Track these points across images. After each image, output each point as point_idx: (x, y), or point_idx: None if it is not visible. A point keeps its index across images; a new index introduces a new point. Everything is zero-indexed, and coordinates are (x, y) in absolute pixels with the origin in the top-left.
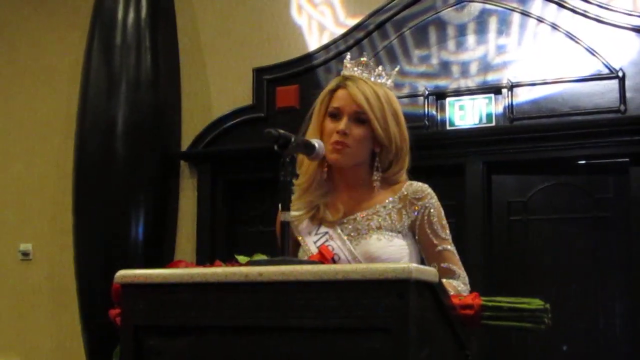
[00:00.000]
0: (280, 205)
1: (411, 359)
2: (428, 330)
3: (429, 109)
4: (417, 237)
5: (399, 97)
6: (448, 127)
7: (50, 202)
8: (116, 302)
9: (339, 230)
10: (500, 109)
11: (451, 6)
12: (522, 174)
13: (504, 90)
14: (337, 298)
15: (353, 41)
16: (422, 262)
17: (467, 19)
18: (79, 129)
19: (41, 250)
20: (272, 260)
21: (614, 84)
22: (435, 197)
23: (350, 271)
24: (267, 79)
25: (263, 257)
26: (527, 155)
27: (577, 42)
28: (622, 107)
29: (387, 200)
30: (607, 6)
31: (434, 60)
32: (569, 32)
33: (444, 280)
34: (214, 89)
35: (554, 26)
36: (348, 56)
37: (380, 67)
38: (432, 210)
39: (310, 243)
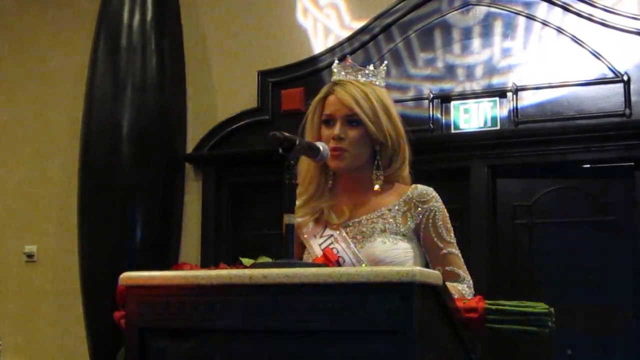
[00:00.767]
0: (285, 208)
1: None
2: (432, 333)
3: (434, 112)
4: (421, 240)
5: (404, 100)
6: (453, 131)
7: (55, 204)
8: (120, 304)
9: (344, 233)
10: (505, 112)
11: (457, 9)
12: (527, 177)
13: (509, 94)
14: (341, 301)
15: (358, 44)
16: (427, 265)
17: (472, 22)
18: (85, 132)
19: (46, 252)
20: (276, 263)
21: (619, 87)
22: (440, 200)
23: (354, 274)
24: (272, 81)
25: (267, 259)
26: (532, 159)
27: (582, 45)
28: (627, 111)
29: (392, 203)
30: (612, 10)
31: (439, 64)
32: (574, 36)
33: (448, 284)
34: (219, 92)
35: (559, 30)
36: (336, 62)
37: (370, 66)
38: (437, 213)
39: (316, 246)
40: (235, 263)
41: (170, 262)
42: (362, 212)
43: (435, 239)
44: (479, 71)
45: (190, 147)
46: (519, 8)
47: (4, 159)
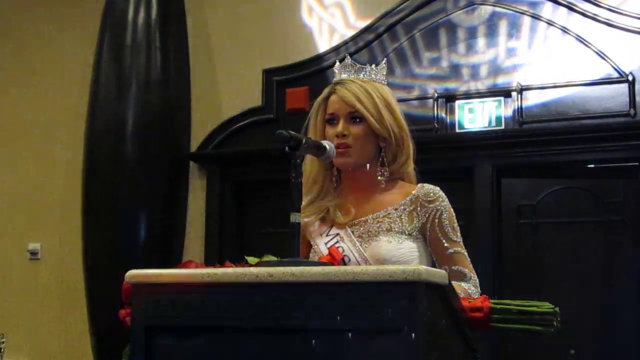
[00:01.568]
0: (291, 207)
1: None
2: (437, 332)
3: (439, 111)
4: (428, 240)
5: (408, 100)
6: (457, 130)
7: (59, 201)
8: (126, 302)
9: (350, 232)
10: (509, 112)
11: (462, 9)
12: (532, 177)
13: (514, 94)
14: (346, 299)
15: (363, 43)
16: (433, 265)
17: (477, 21)
18: (89, 129)
19: (50, 250)
20: (282, 262)
21: (624, 87)
22: (447, 199)
23: (360, 273)
24: (276, 80)
25: (273, 258)
26: (537, 159)
27: (587, 45)
28: (632, 111)
29: (398, 202)
30: (617, 10)
31: (444, 63)
32: (579, 36)
33: (454, 283)
34: (224, 90)
35: (564, 30)
36: (337, 64)
37: (368, 65)
38: (443, 213)
39: (322, 244)
40: (240, 262)
41: (174, 260)
42: (368, 211)
43: (442, 239)
44: (483, 71)
45: (194, 146)
46: (524, 8)
47: (9, 156)
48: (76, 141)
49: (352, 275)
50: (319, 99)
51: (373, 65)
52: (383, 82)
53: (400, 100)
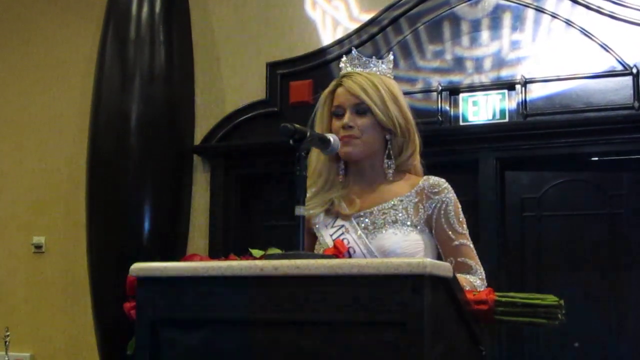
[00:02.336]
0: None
1: (425, 353)
2: (442, 325)
3: (443, 104)
4: (434, 232)
5: (412, 93)
6: (461, 123)
7: (63, 195)
8: (130, 295)
9: (355, 224)
10: (513, 105)
11: (465, 2)
12: (536, 170)
13: (518, 86)
14: (351, 292)
15: (367, 36)
16: (439, 257)
17: (481, 14)
18: (93, 123)
19: (54, 244)
20: (287, 254)
21: (628, 80)
22: (453, 191)
23: (365, 265)
24: (280, 73)
25: (277, 251)
26: (541, 152)
27: (591, 38)
28: (636, 104)
29: (404, 194)
30: (621, 2)
31: (448, 56)
32: (583, 28)
33: (459, 276)
34: (228, 84)
35: (568, 22)
36: (344, 57)
37: (374, 58)
38: (449, 205)
39: (327, 236)
40: (245, 254)
41: (178, 253)
42: (373, 203)
43: (448, 231)
44: (487, 64)
45: (198, 139)
46: (528, 0)
47: (13, 150)
48: (80, 135)
49: (357, 268)
50: (326, 91)
51: (379, 59)
52: (389, 75)
53: (404, 93)
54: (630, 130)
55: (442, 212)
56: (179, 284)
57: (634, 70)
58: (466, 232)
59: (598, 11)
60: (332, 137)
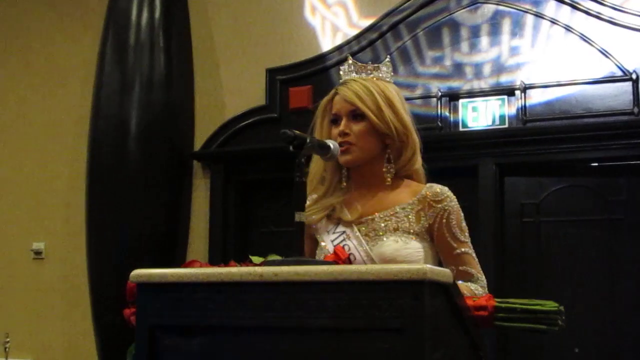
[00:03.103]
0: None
1: (425, 359)
2: (442, 331)
3: (442, 110)
4: (435, 240)
5: (412, 98)
6: (461, 129)
7: (63, 201)
8: (130, 301)
9: (356, 230)
10: (513, 110)
11: (465, 7)
12: (535, 175)
13: (517, 92)
14: (351, 298)
15: (366, 42)
16: (440, 265)
17: (480, 20)
18: (92, 129)
19: (54, 249)
20: (287, 261)
21: (627, 86)
22: (455, 199)
23: (365, 272)
24: (280, 79)
25: (277, 257)
26: (540, 157)
27: (590, 44)
28: (636, 110)
29: (406, 202)
30: (621, 8)
31: (447, 62)
32: (582, 34)
33: (460, 283)
34: (227, 89)
35: (568, 28)
36: (342, 65)
37: (370, 63)
38: (451, 214)
39: (328, 242)
40: (245, 261)
41: (178, 259)
42: (375, 210)
43: (449, 239)
44: (487, 69)
45: (198, 145)
46: (527, 6)
47: (12, 156)
48: (80, 141)
49: (357, 274)
50: (324, 100)
51: (376, 64)
52: (388, 79)
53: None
54: (629, 136)
55: (444, 220)
56: (179, 290)
57: (634, 76)
58: (468, 240)
59: (597, 17)
60: (331, 144)
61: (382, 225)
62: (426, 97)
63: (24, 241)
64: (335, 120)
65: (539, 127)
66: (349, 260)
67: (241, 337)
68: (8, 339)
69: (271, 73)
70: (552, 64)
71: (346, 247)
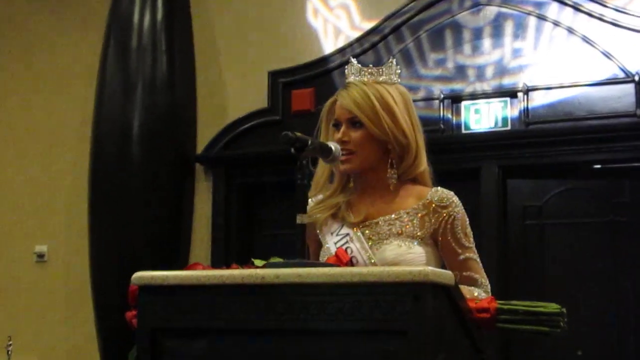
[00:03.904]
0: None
1: None
2: (444, 333)
3: (445, 112)
4: (439, 245)
5: (414, 101)
6: (463, 131)
7: (65, 204)
8: (132, 304)
9: (360, 233)
10: (515, 112)
11: (467, 10)
12: (538, 178)
13: (520, 94)
14: (353, 301)
15: (368, 44)
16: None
17: (483, 22)
18: (95, 132)
19: (56, 252)
20: (288, 263)
21: (630, 88)
22: (461, 205)
23: (366, 274)
24: (282, 82)
25: (279, 260)
26: (543, 160)
27: (593, 46)
28: (638, 112)
29: (411, 206)
30: (623, 10)
31: (450, 64)
32: (585, 36)
33: (462, 287)
34: (230, 92)
35: (570, 30)
36: (347, 67)
37: (372, 66)
38: (455, 219)
39: (331, 243)
40: (247, 264)
41: (180, 262)
42: (379, 213)
43: (454, 245)
44: (489, 72)
45: (200, 148)
46: (530, 8)
47: (15, 158)
48: (82, 144)
49: (359, 276)
50: (328, 103)
51: (380, 67)
52: (394, 81)
53: None
54: (632, 138)
55: (449, 226)
56: (181, 292)
57: (636, 78)
58: (472, 245)
59: (600, 19)
60: (333, 145)
61: (386, 229)
62: (428, 99)
63: (27, 244)
64: (337, 125)
65: (541, 130)
66: (351, 263)
67: (243, 340)
68: (11, 342)
69: (273, 76)
70: (554, 66)
71: (349, 250)
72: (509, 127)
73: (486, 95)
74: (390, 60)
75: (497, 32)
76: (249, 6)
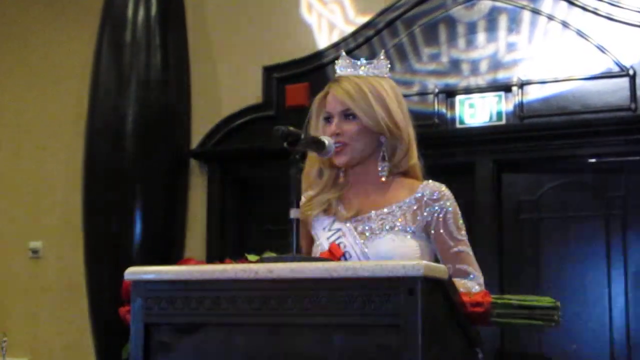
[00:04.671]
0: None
1: (421, 355)
2: (438, 327)
3: (439, 107)
4: (432, 238)
5: (409, 95)
6: (458, 125)
7: (60, 200)
8: (126, 299)
9: (352, 228)
10: (510, 107)
11: (461, 4)
12: (533, 172)
13: (514, 88)
14: (346, 295)
15: (363, 39)
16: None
17: (477, 16)
18: (89, 128)
19: (51, 248)
20: (282, 257)
21: (624, 82)
22: (452, 197)
23: (359, 268)
24: (276, 77)
25: (273, 254)
26: (538, 154)
27: (587, 40)
28: (633, 105)
29: (403, 200)
30: (617, 4)
31: (444, 58)
32: (579, 30)
33: (456, 280)
34: (224, 88)
35: (565, 24)
36: (337, 61)
37: (364, 59)
38: (448, 212)
39: (324, 239)
40: (241, 259)
41: (175, 257)
42: (371, 207)
43: (446, 237)
44: (484, 66)
45: (194, 143)
46: (524, 2)
47: (8, 154)
48: (77, 139)
49: (352, 271)
50: (318, 97)
51: (371, 61)
52: (384, 75)
53: None
54: (627, 131)
55: (441, 219)
56: (174, 287)
57: (631, 72)
58: (465, 238)
59: (594, 13)
60: (326, 140)
61: (379, 223)
62: (423, 94)
63: (21, 240)
64: (328, 118)
65: (536, 124)
66: (344, 258)
67: (236, 335)
68: (5, 338)
69: (268, 71)
70: (549, 60)
71: (342, 245)
72: (503, 122)
73: (481, 90)
74: (382, 55)
75: (491, 26)
76: (242, 1)
